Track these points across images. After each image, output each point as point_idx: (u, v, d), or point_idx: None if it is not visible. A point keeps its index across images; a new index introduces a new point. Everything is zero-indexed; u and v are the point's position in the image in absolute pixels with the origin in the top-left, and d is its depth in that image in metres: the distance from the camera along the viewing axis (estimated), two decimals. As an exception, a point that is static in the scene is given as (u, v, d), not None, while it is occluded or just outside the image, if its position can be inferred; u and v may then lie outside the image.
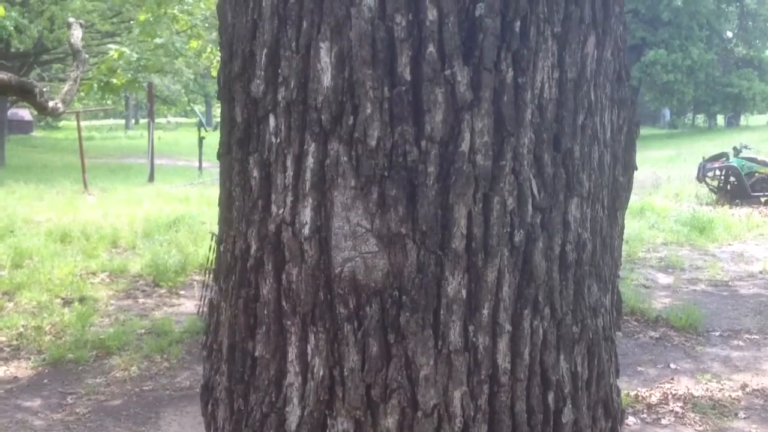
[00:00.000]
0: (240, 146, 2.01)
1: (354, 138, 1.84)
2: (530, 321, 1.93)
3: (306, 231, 1.90)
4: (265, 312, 1.97)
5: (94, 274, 8.61)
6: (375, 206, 1.84)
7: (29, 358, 6.09)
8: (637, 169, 2.37)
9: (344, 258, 1.87)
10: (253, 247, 1.99)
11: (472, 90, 1.82)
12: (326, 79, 1.85)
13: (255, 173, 1.97)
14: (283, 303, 1.94)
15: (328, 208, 1.88)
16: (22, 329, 6.68)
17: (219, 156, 2.14)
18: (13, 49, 19.49)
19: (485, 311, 1.88)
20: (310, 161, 1.88)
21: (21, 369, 5.89)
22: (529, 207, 1.90)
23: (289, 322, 1.94)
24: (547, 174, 1.92)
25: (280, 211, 1.93)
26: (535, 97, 1.89)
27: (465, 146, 1.82)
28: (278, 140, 1.93)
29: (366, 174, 1.83)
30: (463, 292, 1.86)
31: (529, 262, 1.92)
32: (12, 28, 16.32)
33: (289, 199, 1.92)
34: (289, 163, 1.91)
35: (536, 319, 1.94)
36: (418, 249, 1.84)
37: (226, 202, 2.11)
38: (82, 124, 17.33)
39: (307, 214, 1.89)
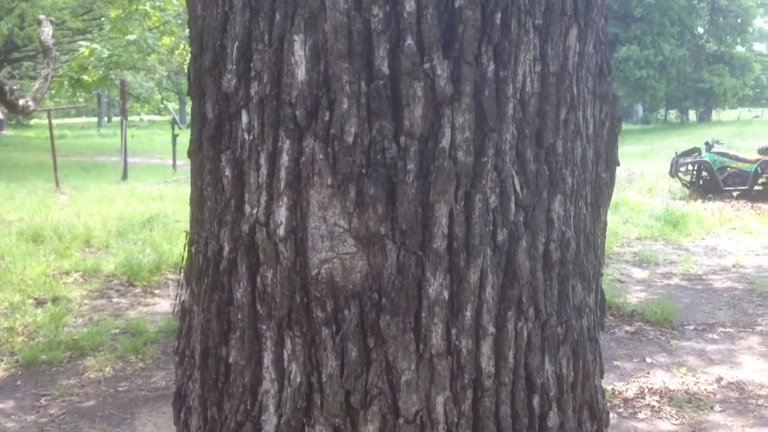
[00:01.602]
0: (211, 144, 1.93)
1: (330, 134, 1.76)
2: (514, 323, 1.86)
3: (281, 231, 1.81)
4: (239, 316, 1.88)
5: (67, 273, 8.35)
6: (353, 205, 1.77)
7: (2, 360, 5.92)
8: (619, 164, 2.31)
9: (321, 259, 1.79)
10: (226, 249, 1.90)
11: (452, 84, 1.74)
12: (301, 73, 1.77)
13: (227, 172, 1.89)
14: (258, 307, 1.86)
15: (304, 207, 1.80)
16: None
17: (190, 154, 2.05)
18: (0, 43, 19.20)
19: (468, 313, 1.81)
20: (284, 159, 1.80)
21: None
22: (512, 205, 1.83)
23: (264, 327, 1.86)
24: (530, 171, 1.85)
25: (254, 211, 1.85)
26: (517, 91, 1.82)
27: (445, 142, 1.75)
28: (251, 137, 1.84)
29: (343, 172, 1.75)
30: (445, 294, 1.78)
31: (512, 261, 1.85)
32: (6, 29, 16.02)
33: (263, 198, 1.83)
34: (262, 160, 1.83)
35: (520, 321, 1.87)
36: (398, 249, 1.77)
37: (197, 202, 2.02)
38: (54, 122, 17.07)
39: (282, 214, 1.81)
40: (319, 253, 1.80)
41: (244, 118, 1.85)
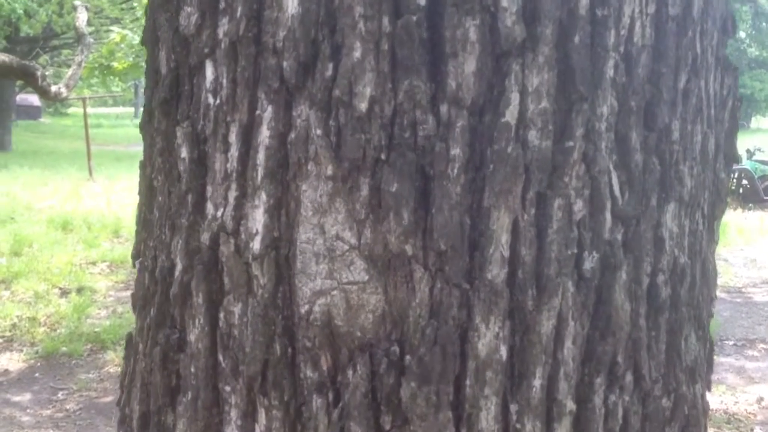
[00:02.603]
0: (164, 111, 1.27)
1: (334, 98, 1.10)
2: (604, 395, 1.19)
3: (256, 245, 1.16)
4: (192, 369, 1.23)
5: (93, 263, 8.09)
6: (365, 209, 1.11)
7: (21, 350, 5.73)
8: (739, 162, 1.62)
9: (315, 290, 1.14)
10: (179, 267, 1.25)
11: (523, 24, 1.08)
12: (291, 5, 1.11)
13: (183, 152, 1.23)
14: (220, 357, 1.21)
15: (292, 209, 1.15)
16: (16, 320, 6.30)
17: (141, 128, 1.40)
18: (22, 34, 18.75)
19: (536, 381, 1.14)
20: (264, 135, 1.15)
21: (12, 362, 5.53)
22: (607, 215, 1.16)
23: (227, 388, 1.20)
24: (634, 164, 1.18)
25: (219, 213, 1.20)
26: (621, 40, 1.15)
27: (511, 115, 1.08)
28: (218, 101, 1.19)
29: (351, 156, 1.10)
30: (502, 351, 1.12)
31: (605, 302, 1.17)
32: (21, 11, 15.61)
33: (233, 193, 1.18)
34: (233, 137, 1.17)
35: (613, 392, 1.20)
36: (432, 279, 1.11)
37: (145, 196, 1.36)
38: (91, 111, 16.66)
39: (258, 219, 1.16)
40: (313, 280, 1.14)
41: (209, 72, 1.20)
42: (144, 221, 1.36)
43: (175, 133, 1.24)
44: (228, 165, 1.18)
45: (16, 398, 4.97)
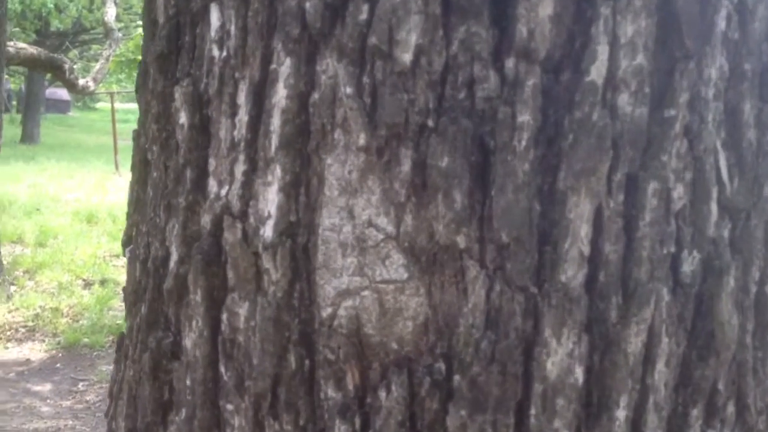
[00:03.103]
0: (160, 69, 1.03)
1: (369, 48, 0.85)
2: (701, 430, 0.93)
3: (268, 232, 0.91)
4: (189, 382, 0.98)
5: (117, 256, 8.13)
6: (406, 189, 0.86)
7: (44, 341, 5.83)
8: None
9: (340, 290, 0.89)
10: (174, 257, 1.00)
11: None
12: (319, -72, 0.86)
13: (183, 117, 0.99)
14: (221, 368, 0.96)
15: (313, 187, 0.90)
16: (39, 310, 6.39)
17: (136, 90, 1.16)
18: (52, 28, 18.70)
19: (620, 411, 0.88)
20: (280, 95, 0.90)
21: (34, 351, 5.63)
22: (713, 206, 0.90)
23: (229, 407, 0.95)
24: (747, 143, 0.92)
25: (223, 191, 0.95)
26: (736, -15, 0.90)
27: (597, 74, 0.83)
28: (224, 54, 0.94)
29: (390, 122, 0.85)
30: (578, 373, 0.86)
31: (707, 315, 0.91)
32: (52, 6, 15.53)
33: (240, 167, 0.93)
34: (242, 98, 0.93)
35: (712, 426, 0.93)
36: (490, 280, 0.85)
37: (139, 172, 1.12)
38: (120, 106, 16.57)
39: (271, 199, 0.91)
40: (338, 277, 0.89)
41: (214, 18, 0.96)
42: (136, 202, 1.11)
43: (174, 95, 1.00)
44: (235, 132, 0.94)
45: (37, 388, 4.96)
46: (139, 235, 1.09)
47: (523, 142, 0.83)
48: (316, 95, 0.89)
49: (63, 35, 19.65)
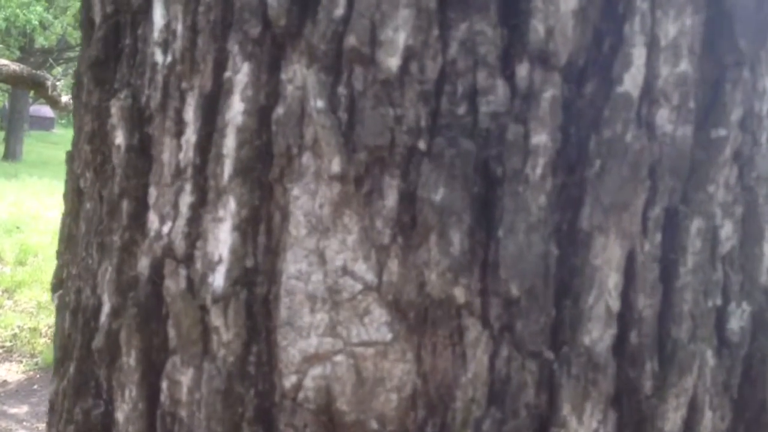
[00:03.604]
0: (95, 78, 0.84)
1: (345, 51, 0.67)
2: None
3: (218, 280, 0.72)
4: (120, 464, 0.79)
5: None
6: (390, 227, 0.67)
7: (21, 361, 5.71)
8: None
9: (308, 354, 0.70)
10: (106, 308, 0.81)
11: None
12: None
13: (119, 137, 0.80)
14: (160, 448, 0.77)
15: (276, 225, 0.71)
16: (17, 330, 6.28)
17: (73, 101, 0.97)
18: (37, 45, 18.45)
19: None
20: (236, 110, 0.71)
21: (11, 372, 5.50)
22: (766, 248, 0.73)
23: (169, 497, 0.76)
24: None
25: (165, 229, 0.76)
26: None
27: (632, 83, 0.65)
28: (169, 59, 0.76)
29: (371, 144, 0.66)
30: (606, 460, 0.68)
31: (757, 381, 0.73)
32: (36, 22, 15.30)
33: (186, 199, 0.74)
34: (189, 113, 0.74)
35: None
36: (496, 342, 0.67)
37: (71, 202, 0.92)
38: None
39: (223, 239, 0.72)
40: (305, 337, 0.70)
41: (158, 16, 0.77)
42: (68, 238, 0.91)
43: (110, 109, 0.81)
44: (181, 155, 0.75)
45: (13, 410, 4.81)
46: (70, 279, 0.89)
47: (539, 170, 0.65)
48: (279, 110, 0.70)
49: (48, 52, 19.40)
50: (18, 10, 14.93)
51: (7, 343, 5.96)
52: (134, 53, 0.80)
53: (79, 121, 0.89)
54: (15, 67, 10.34)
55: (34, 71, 10.94)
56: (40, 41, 17.28)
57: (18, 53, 18.12)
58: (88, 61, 0.84)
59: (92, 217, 0.85)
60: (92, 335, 0.82)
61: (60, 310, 0.91)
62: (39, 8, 14.86)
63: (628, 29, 0.65)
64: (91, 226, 0.85)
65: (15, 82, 11.21)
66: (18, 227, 10.02)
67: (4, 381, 5.32)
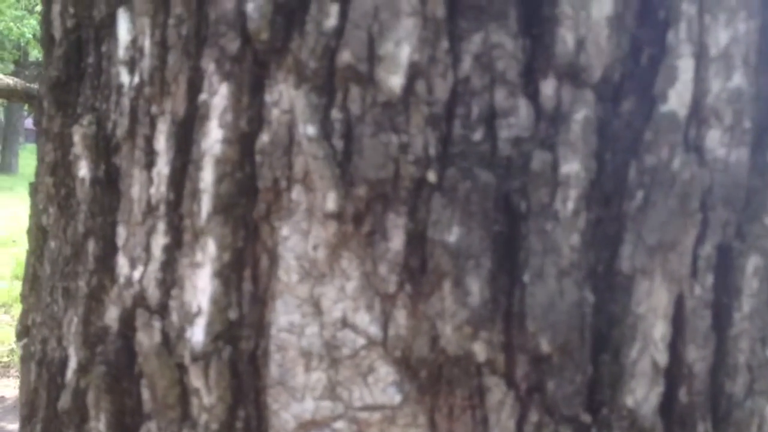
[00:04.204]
0: (57, 102, 0.73)
1: (339, 68, 0.56)
2: None
3: (198, 335, 0.61)
4: None
5: None
6: (396, 273, 0.57)
7: (18, 377, 5.31)
8: None
9: (303, 420, 0.59)
10: (72, 363, 0.70)
11: None
12: None
13: (83, 168, 0.69)
14: None
15: (263, 270, 0.60)
16: (14, 345, 6.10)
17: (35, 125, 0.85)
18: (31, 59, 18.29)
19: None
20: (214, 138, 0.60)
21: (9, 388, 5.17)
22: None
23: None
24: None
25: (136, 274, 0.65)
26: None
27: (678, 101, 0.54)
28: (136, 80, 0.65)
29: (372, 177, 0.56)
30: None
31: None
32: (30, 36, 15.12)
33: (159, 240, 0.63)
34: (161, 143, 0.63)
35: None
36: (523, 405, 0.56)
37: (35, 240, 0.81)
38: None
39: (202, 287, 0.61)
40: (299, 400, 0.59)
41: (123, 30, 0.66)
42: (33, 280, 0.80)
43: (72, 137, 0.70)
44: (153, 190, 0.64)
45: (11, 426, 4.60)
46: (35, 326, 0.78)
47: (570, 204, 0.54)
48: (264, 137, 0.59)
49: (41, 65, 19.22)
50: (12, 24, 14.76)
51: (5, 359, 5.79)
52: (98, 73, 0.69)
53: (41, 149, 0.78)
54: (9, 80, 10.25)
55: (28, 85, 10.84)
56: (35, 54, 17.11)
57: (12, 67, 17.94)
58: (48, 83, 0.73)
59: (57, 258, 0.74)
60: (59, 393, 0.71)
61: (25, 360, 0.79)
62: (33, 21, 14.69)
63: (673, 37, 0.54)
64: (56, 267, 0.74)
65: (9, 95, 11.12)
66: (14, 241, 9.91)
67: (2, 397, 5.12)
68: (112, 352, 0.65)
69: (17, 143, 19.80)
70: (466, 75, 0.55)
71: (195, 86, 0.62)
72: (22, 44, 16.12)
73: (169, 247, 0.63)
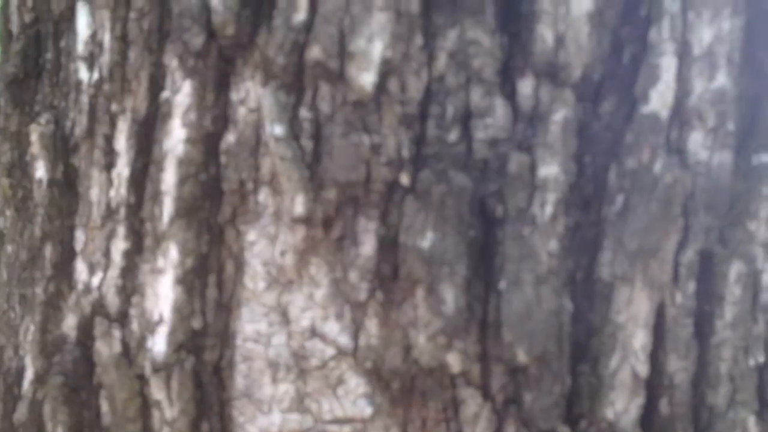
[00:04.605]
0: (14, 99, 0.69)
1: (308, 64, 0.53)
2: None
3: (159, 344, 0.58)
4: None
5: None
6: (367, 280, 0.54)
7: None
8: None
9: (268, 434, 0.56)
10: (29, 374, 0.66)
11: None
12: None
13: (40, 169, 0.65)
14: None
15: (228, 277, 0.57)
16: None
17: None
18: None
19: None
20: (177, 138, 0.57)
21: None
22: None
23: None
24: None
25: (95, 281, 0.61)
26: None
27: (660, 102, 0.52)
28: (95, 76, 0.61)
29: (342, 179, 0.53)
30: None
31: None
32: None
33: (119, 245, 0.60)
34: (121, 142, 0.60)
35: None
36: (499, 418, 0.53)
37: (-8, 243, 0.78)
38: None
39: (164, 294, 0.58)
40: (266, 413, 0.56)
41: (82, 24, 0.62)
42: (-11, 286, 0.76)
43: (29, 136, 0.66)
44: (112, 193, 0.60)
45: None
46: (-9, 333, 0.74)
47: (548, 208, 0.52)
48: (230, 137, 0.56)
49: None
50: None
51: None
52: (57, 69, 0.65)
53: (-2, 148, 0.74)
54: None
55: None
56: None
57: None
58: (5, 79, 0.69)
59: (14, 263, 0.70)
60: (15, 404, 0.67)
61: (-19, 369, 0.75)
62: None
63: (655, 35, 0.51)
64: (12, 273, 0.70)
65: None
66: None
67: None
68: (69, 361, 0.61)
69: None
70: (441, 73, 0.52)
71: (157, 83, 0.58)
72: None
73: (129, 253, 0.59)
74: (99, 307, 0.61)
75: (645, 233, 0.52)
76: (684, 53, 0.52)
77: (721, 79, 0.52)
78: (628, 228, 0.52)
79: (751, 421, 0.57)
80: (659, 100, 0.52)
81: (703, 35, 0.52)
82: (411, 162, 0.52)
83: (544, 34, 0.51)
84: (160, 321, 0.58)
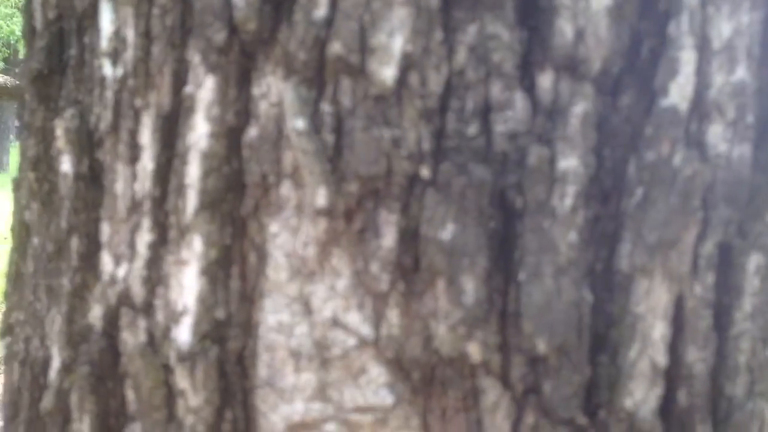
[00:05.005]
0: (39, 95, 0.70)
1: (329, 60, 0.53)
2: None
3: (184, 334, 0.59)
4: None
5: None
6: (388, 271, 0.54)
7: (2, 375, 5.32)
8: None
9: (292, 422, 0.56)
10: (55, 363, 0.67)
11: None
12: None
13: (65, 163, 0.66)
14: None
15: (251, 268, 0.58)
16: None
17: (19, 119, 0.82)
18: (21, 56, 18.17)
19: None
20: (200, 132, 0.57)
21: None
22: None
23: None
24: None
25: (120, 272, 0.62)
26: None
27: (680, 95, 0.52)
28: (120, 72, 0.62)
29: (364, 173, 0.53)
30: None
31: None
32: (20, 33, 15.01)
33: (144, 237, 0.61)
34: (146, 137, 0.60)
35: None
36: (519, 407, 0.54)
37: (18, 237, 0.78)
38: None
39: (188, 285, 0.59)
40: (289, 402, 0.57)
41: (106, 21, 0.63)
42: (16, 277, 0.77)
43: (54, 130, 0.67)
44: (137, 186, 0.61)
45: None
46: (18, 325, 0.75)
47: (568, 200, 0.52)
48: (252, 131, 0.56)
49: (31, 61, 19.04)
50: (1, 22, 14.61)
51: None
52: (81, 65, 0.66)
53: (23, 144, 0.74)
54: (-1, 78, 10.15)
55: (18, 82, 10.74)
56: (23, 52, 16.97)
57: (2, 64, 17.76)
58: (30, 75, 0.70)
59: (40, 254, 0.70)
60: (42, 393, 0.68)
61: (8, 360, 0.76)
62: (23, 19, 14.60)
63: (674, 29, 0.51)
64: (39, 265, 0.71)
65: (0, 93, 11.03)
66: (6, 238, 9.86)
67: (-4, 390, 5.18)
68: (95, 351, 0.62)
69: (7, 141, 19.61)
70: (461, 67, 0.52)
71: (180, 78, 0.59)
72: (12, 42, 15.93)
73: (154, 244, 0.60)
74: (124, 297, 0.61)
75: (664, 225, 0.52)
76: (703, 47, 0.52)
77: (741, 73, 0.52)
78: (648, 220, 0.52)
79: (769, 412, 0.57)
80: (678, 93, 0.51)
81: (723, 29, 0.52)
82: (431, 155, 0.53)
83: (564, 28, 0.51)
84: (185, 311, 0.58)
